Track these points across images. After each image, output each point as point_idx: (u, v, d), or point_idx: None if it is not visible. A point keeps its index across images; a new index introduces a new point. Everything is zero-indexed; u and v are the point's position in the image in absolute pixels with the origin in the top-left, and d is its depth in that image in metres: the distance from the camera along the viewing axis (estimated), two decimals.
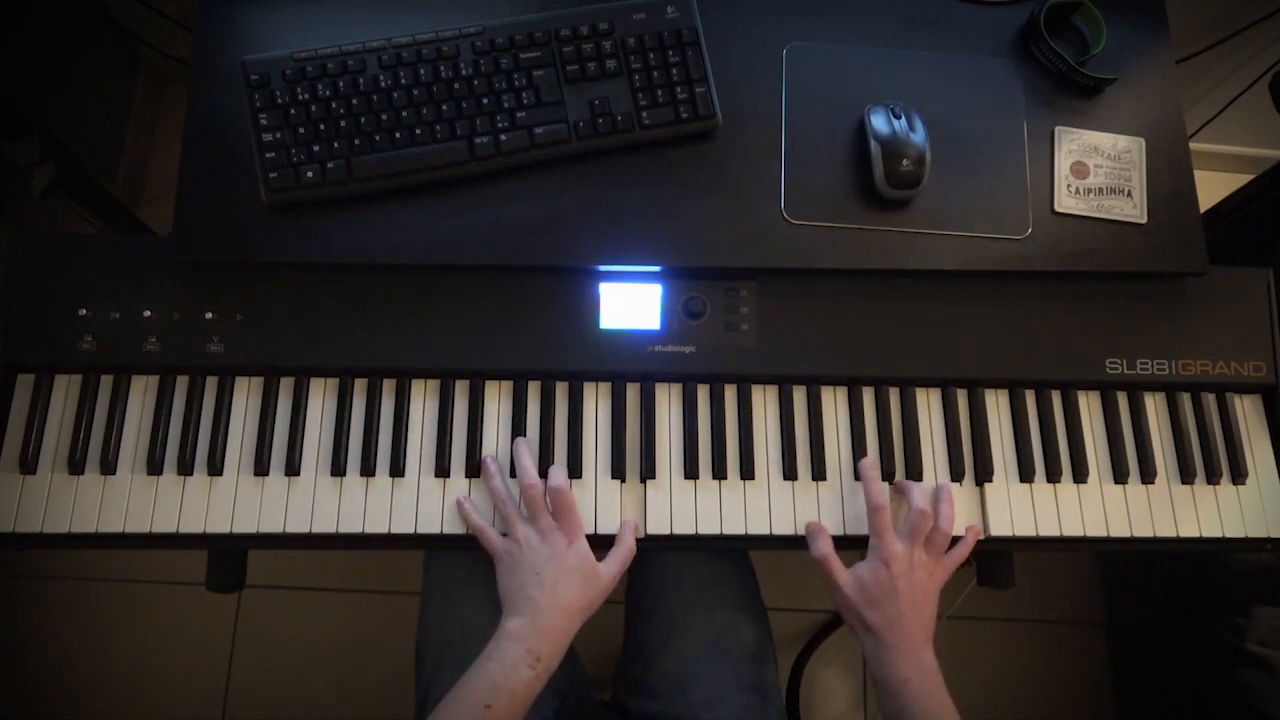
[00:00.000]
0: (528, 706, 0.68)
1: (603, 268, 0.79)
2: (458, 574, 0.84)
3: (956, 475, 0.80)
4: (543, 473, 0.76)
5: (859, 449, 0.80)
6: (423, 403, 0.80)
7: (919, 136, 0.79)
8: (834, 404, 0.82)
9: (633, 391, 0.81)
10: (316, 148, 0.77)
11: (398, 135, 0.77)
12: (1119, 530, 0.80)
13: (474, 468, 0.78)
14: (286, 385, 0.79)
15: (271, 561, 1.44)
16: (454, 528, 0.77)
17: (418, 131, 0.77)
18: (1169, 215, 0.83)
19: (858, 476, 0.79)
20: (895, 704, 0.70)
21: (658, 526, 0.77)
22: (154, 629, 1.42)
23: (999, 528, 0.79)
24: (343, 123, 0.77)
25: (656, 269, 0.80)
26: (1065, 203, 0.82)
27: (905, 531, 0.75)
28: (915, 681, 0.70)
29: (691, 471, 0.79)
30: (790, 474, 0.79)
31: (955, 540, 0.77)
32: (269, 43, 0.80)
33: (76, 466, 0.76)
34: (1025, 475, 0.81)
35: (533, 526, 0.73)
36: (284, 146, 0.77)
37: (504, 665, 0.67)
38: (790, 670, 1.36)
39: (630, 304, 0.80)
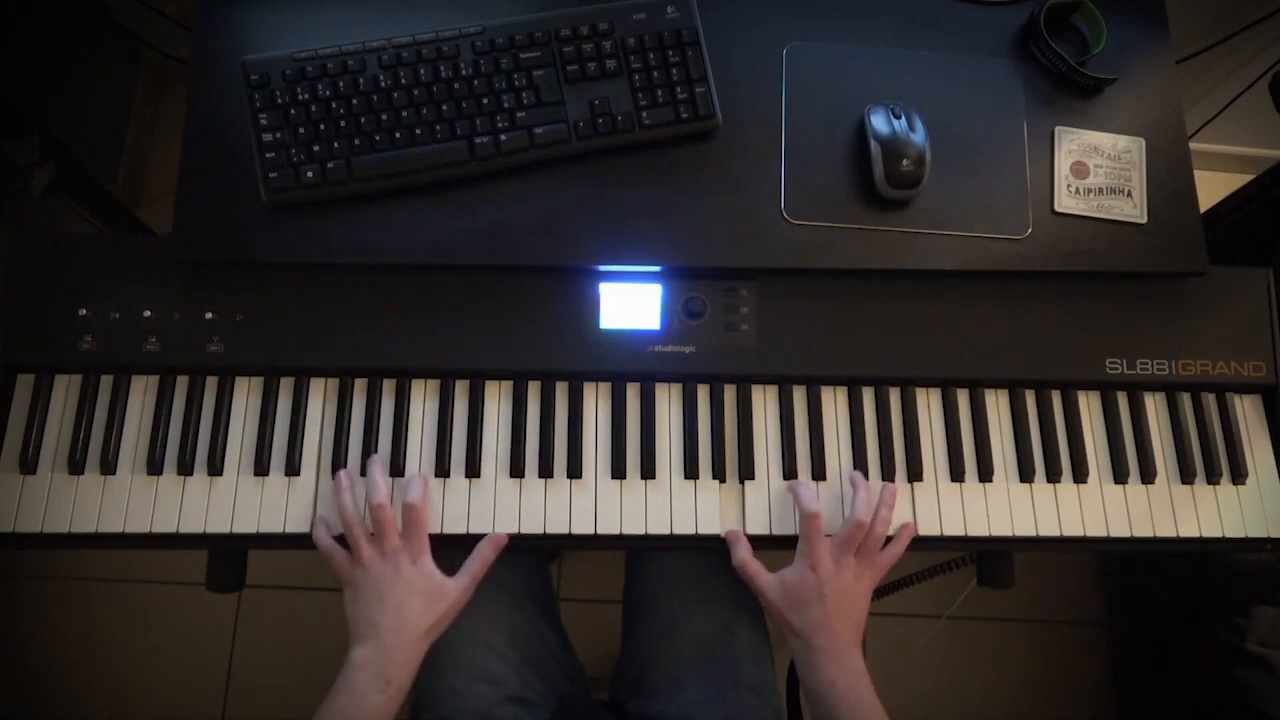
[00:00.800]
0: None
1: (603, 268, 0.79)
2: None
3: (956, 475, 0.80)
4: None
5: (859, 449, 0.80)
6: (423, 403, 0.80)
7: (919, 136, 0.79)
8: (834, 404, 0.82)
9: (633, 391, 0.81)
10: (316, 148, 0.77)
11: (398, 135, 0.77)
12: (1119, 530, 0.80)
13: (474, 468, 0.78)
14: (286, 385, 0.79)
15: (271, 561, 1.44)
16: (454, 528, 0.77)
17: (418, 131, 0.77)
18: (1169, 215, 0.83)
19: None
20: (823, 706, 0.70)
21: (658, 526, 0.77)
22: (154, 629, 1.42)
23: (1000, 528, 0.79)
24: (343, 123, 0.77)
25: (656, 269, 0.80)
26: (1065, 203, 0.82)
27: (838, 539, 0.74)
28: (842, 683, 0.70)
29: (691, 471, 0.79)
30: (790, 474, 0.79)
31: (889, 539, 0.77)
32: (269, 43, 0.80)
33: (76, 466, 0.76)
34: (1025, 475, 0.81)
35: (377, 547, 0.71)
36: (284, 146, 0.77)
37: (353, 695, 0.66)
38: (788, 669, 1.36)
39: (630, 304, 0.80)
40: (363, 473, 0.76)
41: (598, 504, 0.78)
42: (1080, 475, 0.81)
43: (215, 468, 0.77)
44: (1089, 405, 0.84)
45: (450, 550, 0.85)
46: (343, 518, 0.73)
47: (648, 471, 0.78)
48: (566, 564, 1.44)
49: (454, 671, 0.79)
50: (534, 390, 0.80)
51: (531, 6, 0.82)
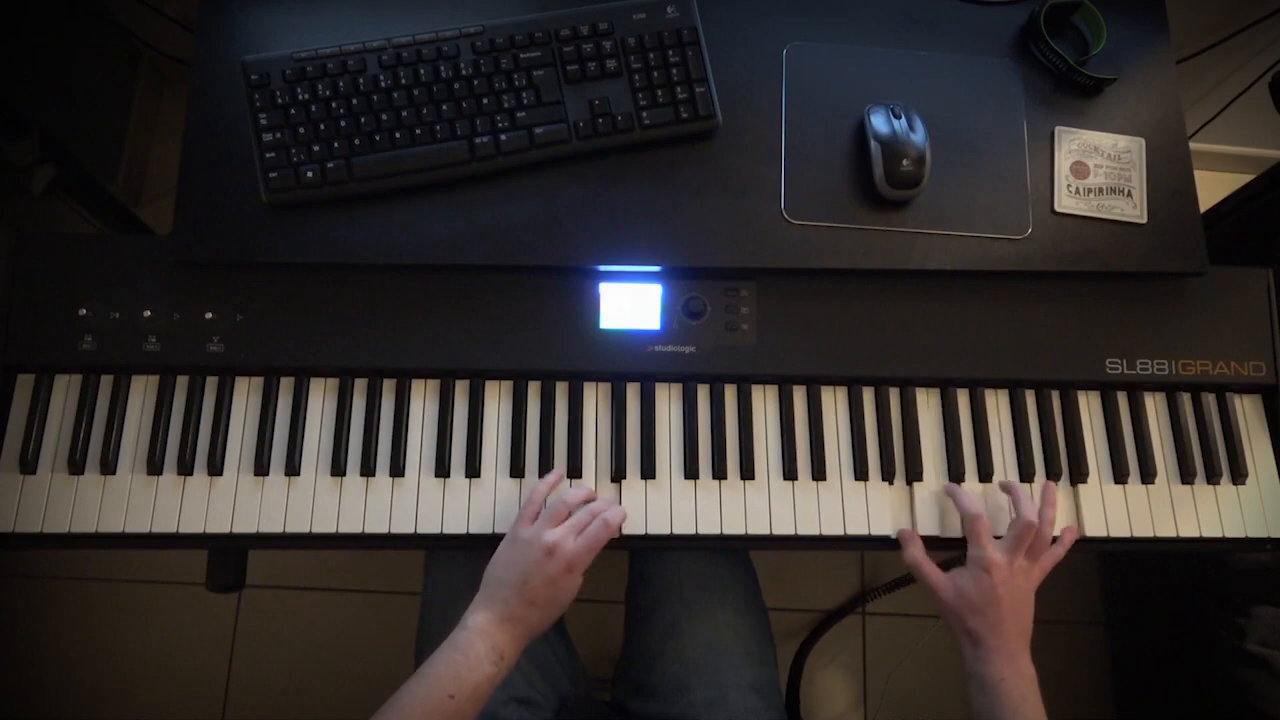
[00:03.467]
0: (484, 703, 0.67)
1: (603, 268, 0.79)
2: (460, 575, 0.84)
3: (956, 476, 0.80)
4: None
5: (859, 449, 0.80)
6: (423, 403, 0.80)
7: (919, 136, 0.79)
8: (834, 404, 0.82)
9: (633, 391, 0.81)
10: (316, 148, 0.77)
11: (398, 135, 0.77)
12: (1119, 530, 0.80)
13: (474, 468, 0.78)
14: (286, 385, 0.79)
15: (271, 561, 1.44)
16: (454, 528, 0.77)
17: (418, 131, 0.77)
18: (1169, 215, 0.83)
19: (858, 476, 0.80)
20: (987, 699, 0.70)
21: (658, 526, 0.77)
22: (154, 629, 1.42)
23: (1000, 527, 0.79)
24: (343, 123, 0.77)
25: (656, 269, 0.80)
26: (1065, 203, 0.82)
27: (1009, 540, 0.75)
28: (1010, 680, 0.70)
29: (691, 471, 0.79)
30: (790, 474, 0.79)
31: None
32: (269, 43, 0.80)
33: (76, 466, 0.76)
34: (1025, 475, 0.81)
35: (548, 532, 0.71)
36: (284, 146, 0.77)
37: (468, 657, 0.66)
38: (789, 669, 1.36)
39: (630, 304, 0.80)
40: (437, 473, 0.77)
41: None
42: (1080, 475, 0.81)
43: (215, 468, 0.77)
44: (1089, 405, 0.84)
45: (451, 550, 0.85)
46: (565, 495, 0.74)
47: (648, 471, 0.78)
48: None
49: None
50: (534, 390, 0.80)
51: (531, 6, 0.82)
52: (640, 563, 0.91)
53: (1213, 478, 0.82)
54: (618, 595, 0.94)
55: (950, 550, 0.79)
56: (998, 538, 0.76)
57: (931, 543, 0.78)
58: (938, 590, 0.74)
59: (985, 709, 0.70)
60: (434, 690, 0.65)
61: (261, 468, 0.77)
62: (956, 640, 0.74)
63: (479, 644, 0.67)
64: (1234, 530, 0.81)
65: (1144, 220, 0.82)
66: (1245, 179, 1.19)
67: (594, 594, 0.97)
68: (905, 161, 0.78)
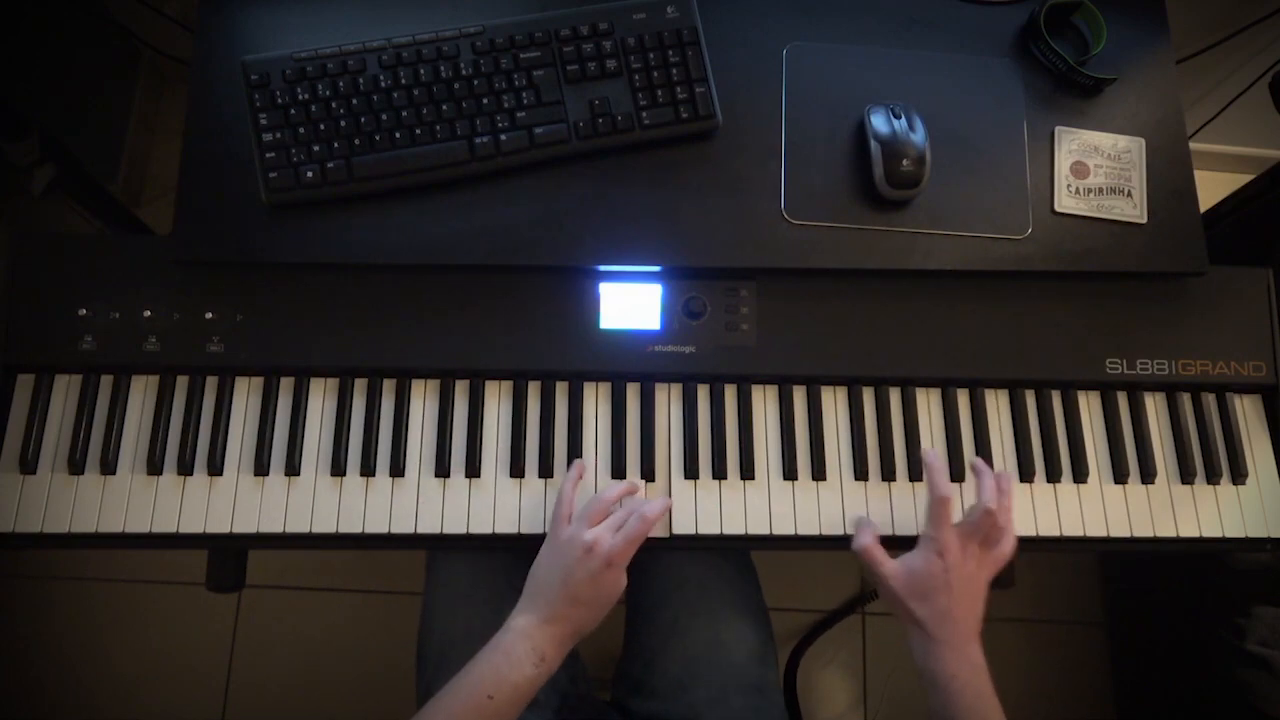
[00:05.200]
0: (525, 705, 0.67)
1: (603, 268, 0.79)
2: (462, 575, 0.84)
3: (956, 476, 0.80)
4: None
5: (859, 449, 0.80)
6: (423, 403, 0.80)
7: (919, 136, 0.79)
8: (834, 404, 0.82)
9: (633, 391, 0.81)
10: (316, 148, 0.77)
11: (398, 135, 0.77)
12: (1119, 530, 0.80)
13: (474, 468, 0.78)
14: (286, 385, 0.79)
15: (271, 561, 1.44)
16: (454, 528, 0.77)
17: (418, 131, 0.77)
18: (1169, 215, 0.83)
19: (858, 476, 0.79)
20: (940, 698, 0.69)
21: (658, 527, 0.77)
22: (154, 629, 1.42)
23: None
24: (343, 123, 0.77)
25: (656, 269, 0.80)
26: (1065, 203, 0.82)
27: (966, 525, 0.73)
28: (963, 678, 0.69)
29: (691, 472, 0.79)
30: (790, 474, 0.79)
31: None
32: (269, 43, 0.80)
33: (76, 466, 0.76)
34: (1025, 475, 0.81)
35: (586, 531, 0.71)
36: (284, 146, 0.77)
37: (510, 658, 0.67)
38: (785, 668, 1.36)
39: (630, 304, 0.80)
40: (438, 473, 0.77)
41: None
42: (1080, 475, 0.81)
43: (215, 468, 0.77)
44: (1089, 405, 0.84)
45: (452, 551, 0.85)
46: (604, 493, 0.74)
47: (648, 472, 0.78)
48: None
49: (459, 671, 0.79)
50: (534, 390, 0.80)
51: (531, 6, 0.82)
52: (641, 562, 0.91)
53: (1213, 478, 0.82)
54: None
55: None
56: None
57: None
58: (888, 578, 0.72)
59: (940, 707, 0.69)
60: (474, 690, 0.65)
61: (261, 468, 0.77)
62: (906, 633, 0.72)
63: (520, 645, 0.67)
64: (1234, 530, 0.81)
65: (1144, 220, 0.82)
66: (1245, 179, 1.19)
67: None
68: (905, 161, 0.78)
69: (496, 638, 0.68)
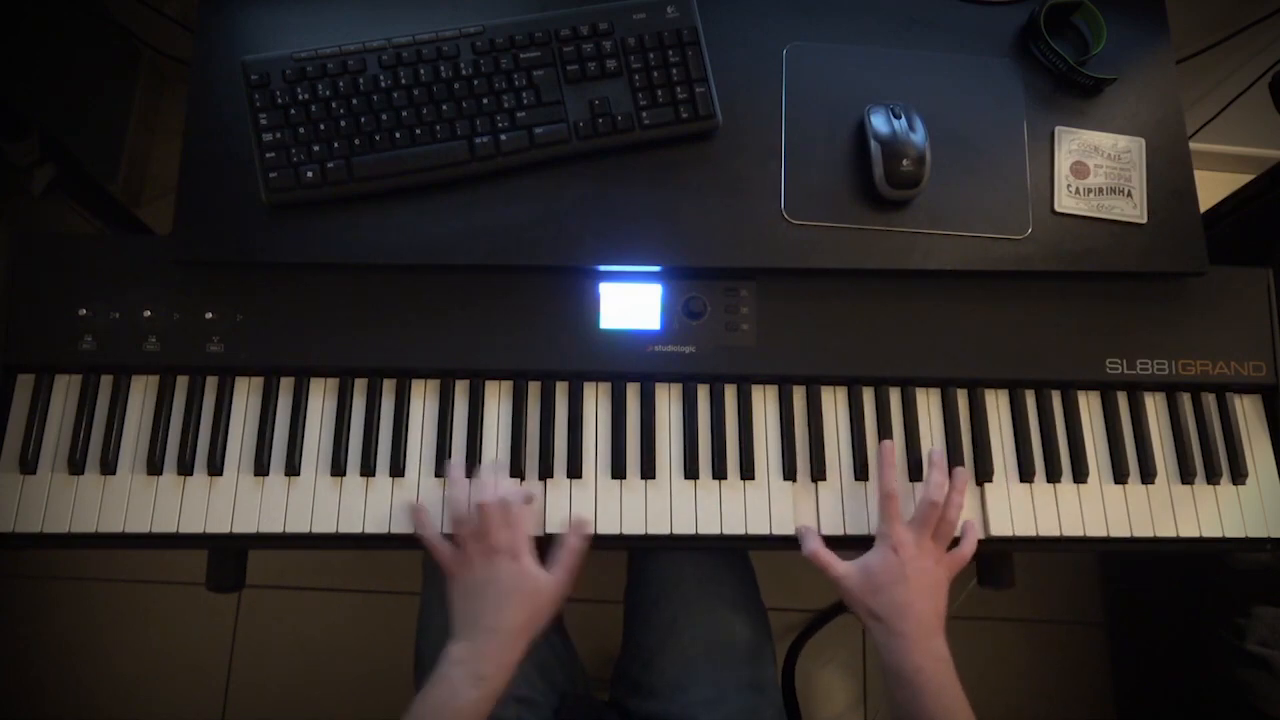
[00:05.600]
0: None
1: (603, 268, 0.79)
2: None
3: None
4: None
5: (859, 449, 0.80)
6: (423, 403, 0.80)
7: (919, 136, 0.79)
8: (834, 404, 0.82)
9: (633, 391, 0.81)
10: (316, 148, 0.77)
11: (398, 135, 0.77)
12: (1119, 530, 0.80)
13: (474, 468, 0.78)
14: (286, 385, 0.79)
15: (271, 561, 1.44)
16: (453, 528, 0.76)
17: (418, 131, 0.77)
18: (1169, 215, 0.83)
19: (858, 476, 0.79)
20: (906, 693, 0.68)
21: (658, 526, 0.77)
22: (154, 629, 1.42)
23: (999, 528, 0.79)
24: (343, 123, 0.77)
25: (656, 269, 0.80)
26: (1065, 203, 0.82)
27: (914, 520, 0.74)
28: (928, 671, 0.68)
29: (691, 471, 0.79)
30: (790, 474, 0.79)
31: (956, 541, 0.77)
32: (269, 43, 0.80)
33: (76, 466, 0.76)
34: (1025, 475, 0.81)
35: (480, 544, 0.71)
36: (284, 146, 0.77)
37: (448, 688, 0.67)
38: (783, 665, 1.35)
39: (630, 304, 0.80)
40: (437, 473, 0.77)
41: (598, 504, 0.78)
42: (1080, 475, 0.81)
43: (215, 468, 0.77)
44: (1089, 405, 0.84)
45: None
46: (451, 509, 0.74)
47: (648, 471, 0.78)
48: None
49: None
50: (534, 390, 0.80)
51: (531, 6, 0.82)
52: (639, 562, 0.91)
53: (1213, 478, 0.82)
54: (616, 595, 0.94)
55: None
56: None
57: None
58: (842, 579, 0.73)
59: (907, 702, 0.68)
60: None
61: (261, 468, 0.77)
62: (868, 633, 0.73)
63: (454, 672, 0.67)
64: (1234, 530, 0.81)
65: (1144, 220, 0.82)
66: (1245, 179, 1.19)
67: (593, 594, 0.97)
68: (905, 161, 0.78)
69: (434, 670, 0.68)
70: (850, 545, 0.78)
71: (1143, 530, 0.80)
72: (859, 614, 0.74)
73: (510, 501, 0.73)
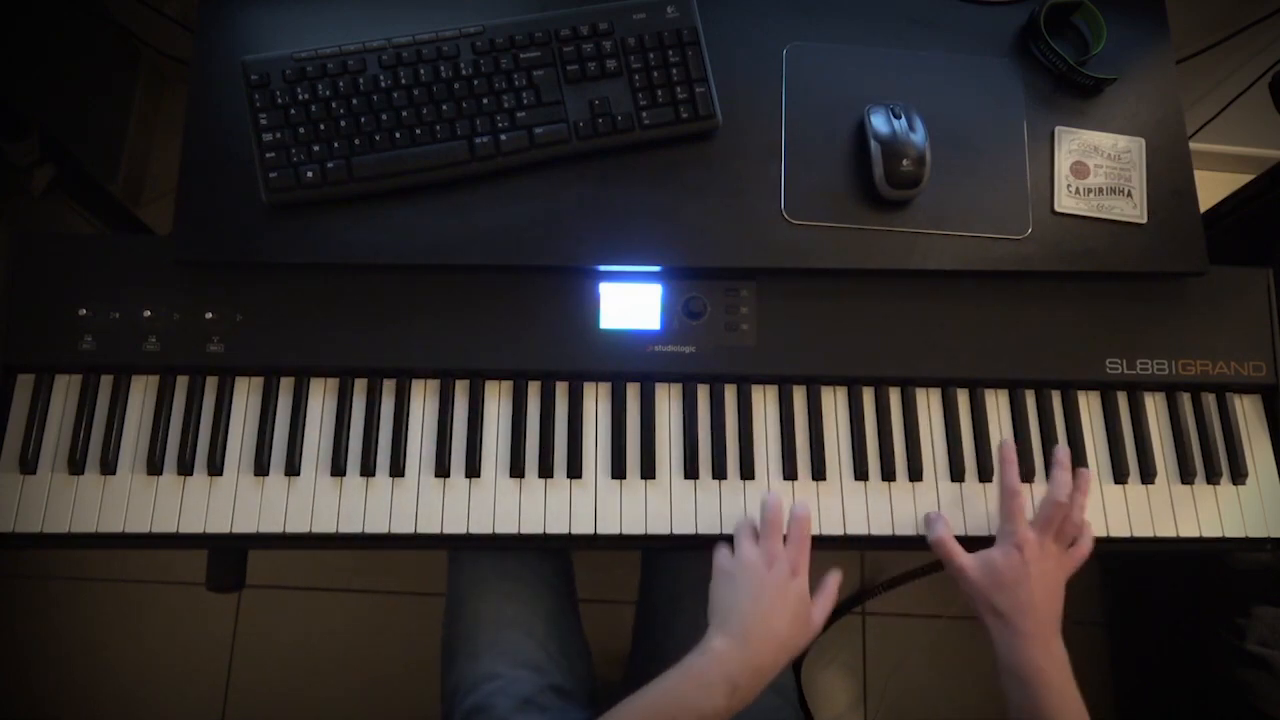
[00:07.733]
0: None
1: (603, 268, 0.79)
2: (486, 563, 0.84)
3: (956, 475, 0.80)
4: None
5: (859, 449, 0.80)
6: (423, 403, 0.80)
7: (919, 136, 0.79)
8: (834, 404, 0.82)
9: (633, 391, 0.81)
10: (316, 148, 0.77)
11: (398, 135, 0.77)
12: (1119, 530, 0.80)
13: (474, 468, 0.78)
14: (286, 385, 0.79)
15: (271, 561, 1.44)
16: (454, 528, 0.77)
17: (418, 131, 0.77)
18: (1169, 215, 0.83)
19: (858, 476, 0.79)
20: (1026, 693, 0.68)
21: (658, 527, 0.77)
22: (154, 629, 1.42)
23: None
24: (343, 123, 0.77)
25: (656, 269, 0.80)
26: (1065, 203, 0.82)
27: (1039, 520, 0.73)
28: (1049, 672, 0.68)
29: (691, 472, 0.79)
30: (790, 474, 0.79)
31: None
32: (269, 43, 0.80)
33: (76, 466, 0.76)
34: (1025, 475, 0.81)
35: (761, 547, 0.71)
36: (284, 146, 0.77)
37: (701, 685, 0.64)
38: (795, 668, 1.35)
39: (630, 304, 0.80)
40: (438, 473, 0.77)
41: (598, 504, 0.78)
42: None
43: (215, 468, 0.77)
44: (1089, 405, 0.84)
45: (450, 551, 0.85)
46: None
47: (648, 471, 0.78)
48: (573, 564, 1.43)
49: (497, 656, 0.79)
50: (534, 390, 0.80)
51: (531, 6, 0.82)
52: (656, 563, 0.91)
53: (1213, 478, 0.82)
54: (622, 596, 0.94)
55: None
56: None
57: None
58: (965, 570, 0.72)
59: (1026, 701, 0.67)
60: (660, 713, 0.63)
61: (261, 468, 0.77)
62: (986, 629, 0.71)
63: (714, 671, 0.65)
64: (1234, 530, 0.81)
65: (1144, 220, 0.82)
66: (1245, 179, 1.19)
67: (596, 594, 0.97)
68: (905, 161, 0.78)
69: (689, 659, 0.65)
70: (851, 545, 0.78)
71: (1143, 530, 0.80)
72: (977, 608, 0.72)
73: (800, 516, 0.72)
